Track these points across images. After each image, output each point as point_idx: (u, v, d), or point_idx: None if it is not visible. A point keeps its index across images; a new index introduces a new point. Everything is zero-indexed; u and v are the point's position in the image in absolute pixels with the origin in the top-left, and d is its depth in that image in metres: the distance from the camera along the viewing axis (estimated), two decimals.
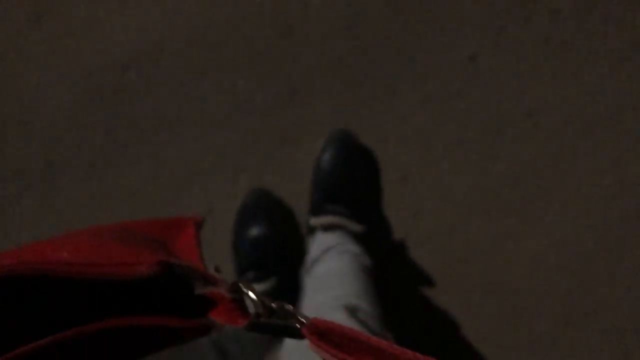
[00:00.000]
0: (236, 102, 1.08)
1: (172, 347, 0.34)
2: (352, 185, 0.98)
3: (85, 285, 0.27)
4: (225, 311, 0.29)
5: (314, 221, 0.93)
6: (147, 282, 0.28)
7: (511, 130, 1.00)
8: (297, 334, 0.27)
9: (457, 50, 1.01)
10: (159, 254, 0.30)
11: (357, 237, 0.91)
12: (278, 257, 0.99)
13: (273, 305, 0.28)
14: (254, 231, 0.99)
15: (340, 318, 0.67)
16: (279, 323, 0.28)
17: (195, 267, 0.30)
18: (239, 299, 0.29)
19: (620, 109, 0.98)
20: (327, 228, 0.91)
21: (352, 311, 0.68)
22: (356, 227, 0.91)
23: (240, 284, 0.29)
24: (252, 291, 0.29)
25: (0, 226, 1.13)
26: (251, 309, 0.30)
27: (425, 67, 1.02)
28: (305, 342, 0.26)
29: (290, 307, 0.28)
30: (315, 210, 0.95)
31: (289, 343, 0.67)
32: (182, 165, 1.10)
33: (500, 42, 1.00)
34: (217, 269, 0.31)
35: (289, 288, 0.95)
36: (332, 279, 0.80)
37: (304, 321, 0.26)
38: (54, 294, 0.28)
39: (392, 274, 0.85)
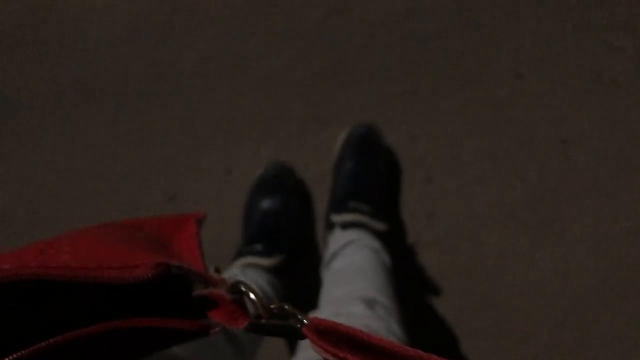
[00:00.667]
0: (276, 70, 1.08)
1: (172, 347, 0.35)
2: (374, 184, 0.98)
3: (86, 288, 0.27)
4: (225, 312, 0.29)
5: (336, 218, 0.91)
6: (147, 284, 0.28)
7: (542, 154, 0.99)
8: (297, 334, 0.27)
9: (506, 64, 1.01)
10: (158, 255, 0.30)
11: (377, 235, 0.90)
12: (288, 234, 0.98)
13: (273, 306, 0.28)
14: (270, 203, 0.99)
15: (358, 310, 0.66)
16: (279, 323, 0.28)
17: (194, 269, 0.30)
18: (239, 300, 0.29)
19: None
20: (348, 225, 0.90)
21: (370, 304, 0.68)
22: (378, 225, 0.90)
23: (241, 285, 0.29)
24: (252, 292, 0.29)
25: (25, 142, 1.14)
26: (251, 309, 0.30)
27: (472, 73, 1.01)
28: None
29: (290, 307, 0.28)
30: (337, 207, 0.94)
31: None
32: (210, 120, 1.10)
33: (551, 65, 1.00)
34: (217, 270, 0.31)
35: (294, 268, 0.95)
36: (351, 272, 0.79)
37: (304, 321, 0.26)
38: (55, 296, 0.29)
39: (398, 274, 0.85)
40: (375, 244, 0.86)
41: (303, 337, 0.26)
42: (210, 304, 0.30)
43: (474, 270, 1.01)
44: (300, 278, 0.98)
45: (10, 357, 0.26)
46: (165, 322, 0.29)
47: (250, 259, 0.88)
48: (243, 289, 0.29)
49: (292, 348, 1.02)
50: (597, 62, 0.99)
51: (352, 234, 0.88)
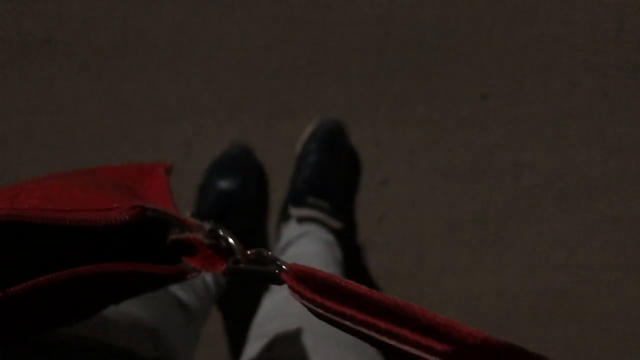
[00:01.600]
0: (250, 53, 1.08)
1: (146, 293, 0.34)
2: (336, 181, 0.99)
3: (60, 231, 0.27)
4: (202, 256, 0.29)
5: (294, 211, 0.92)
6: (121, 227, 0.27)
7: (495, 175, 1.03)
8: (276, 279, 0.27)
9: (473, 84, 1.04)
10: (133, 199, 0.29)
11: (331, 230, 0.91)
12: (240, 216, 0.99)
13: (250, 251, 0.28)
14: (226, 184, 0.99)
15: None
16: (258, 268, 0.27)
17: (171, 212, 0.29)
18: (216, 244, 0.29)
19: (597, 193, 1.03)
20: (305, 219, 0.91)
21: None
22: (334, 223, 0.91)
23: (220, 230, 0.29)
24: (230, 236, 0.28)
25: None
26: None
27: (440, 86, 1.04)
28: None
29: (268, 252, 0.27)
30: (296, 200, 0.94)
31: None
32: (177, 94, 1.09)
33: (515, 91, 1.04)
34: (192, 215, 0.30)
35: None
36: (305, 260, 0.80)
37: (283, 267, 0.26)
38: (28, 240, 0.28)
39: (345, 271, 0.86)
40: (329, 237, 0.88)
41: (281, 282, 0.26)
42: (187, 248, 0.29)
43: (415, 277, 1.04)
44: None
45: None
46: (141, 267, 0.28)
47: None
48: (221, 233, 0.28)
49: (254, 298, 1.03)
50: (559, 95, 1.04)
51: (307, 227, 0.90)
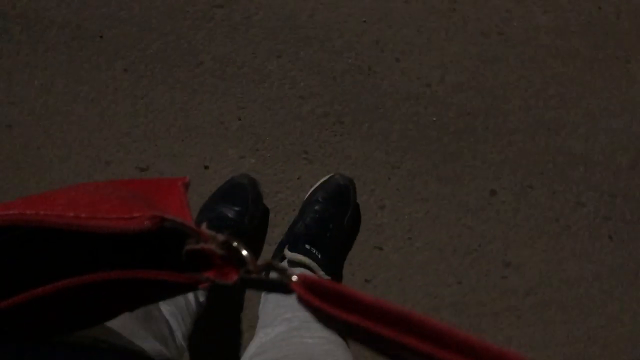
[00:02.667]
0: (287, 96, 1.13)
1: (160, 300, 0.37)
2: (335, 236, 1.03)
3: (82, 238, 0.28)
4: (215, 267, 0.30)
5: (289, 254, 0.96)
6: (140, 236, 0.28)
7: (484, 267, 1.07)
8: (286, 289, 0.28)
9: (485, 178, 1.09)
10: (152, 209, 0.30)
11: None
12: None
13: (260, 263, 0.30)
14: (225, 209, 1.02)
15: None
16: (269, 278, 0.29)
17: (187, 223, 0.30)
18: (229, 255, 0.30)
19: (575, 312, 1.07)
20: (297, 264, 0.95)
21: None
22: (323, 275, 0.95)
23: (233, 241, 0.30)
24: (244, 249, 0.30)
25: None
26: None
27: (454, 172, 1.09)
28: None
29: (279, 264, 0.29)
30: (293, 244, 0.98)
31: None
32: (210, 114, 1.14)
33: (523, 195, 1.08)
34: (207, 226, 0.31)
35: None
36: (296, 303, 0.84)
37: (295, 276, 0.28)
38: (51, 245, 0.30)
39: None
40: None
41: (291, 291, 0.27)
42: (201, 258, 0.30)
43: None
44: (231, 289, 1.02)
45: (7, 301, 0.28)
46: (160, 275, 0.29)
47: None
48: (234, 244, 0.30)
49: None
50: (562, 209, 1.08)
51: (300, 271, 0.94)
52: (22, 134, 1.14)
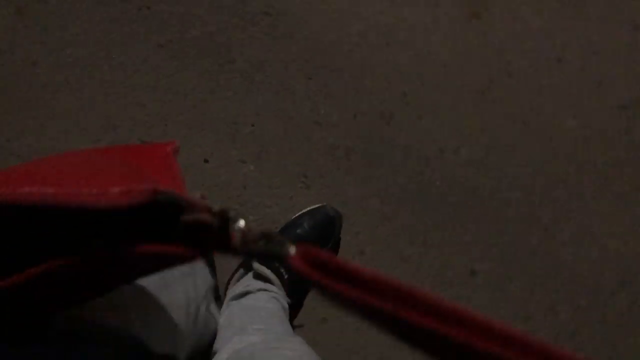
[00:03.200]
0: (308, 124, 1.14)
1: (157, 273, 0.36)
2: None
3: (71, 215, 0.28)
4: (213, 237, 0.30)
5: (257, 267, 0.95)
6: (136, 210, 0.28)
7: None
8: (283, 259, 0.28)
9: (470, 256, 1.08)
10: (144, 182, 0.30)
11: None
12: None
13: (260, 232, 0.29)
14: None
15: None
16: (267, 249, 0.28)
17: (181, 195, 0.30)
18: (227, 226, 0.29)
19: None
20: (262, 278, 0.94)
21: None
22: (284, 299, 0.94)
23: (230, 211, 0.29)
24: (242, 218, 0.29)
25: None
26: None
27: (441, 241, 1.08)
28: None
29: (277, 234, 0.29)
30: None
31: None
32: (229, 113, 1.14)
33: (503, 284, 1.07)
34: (202, 197, 0.31)
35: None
36: (265, 316, 0.84)
37: (294, 246, 0.27)
38: (55, 221, 0.29)
39: None
40: (285, 304, 0.92)
41: (289, 263, 0.27)
42: (197, 229, 0.30)
43: None
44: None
45: (15, 279, 0.28)
46: (162, 248, 0.29)
47: None
48: (233, 215, 0.29)
49: None
50: (538, 311, 1.06)
51: (266, 286, 0.93)
52: (44, 74, 1.15)
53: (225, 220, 0.29)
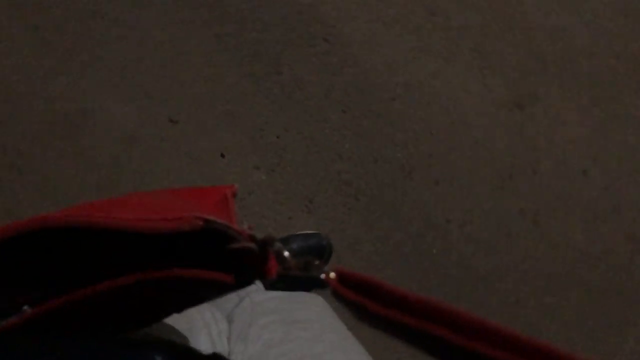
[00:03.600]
0: (332, 147, 1.15)
1: (207, 301, 0.37)
2: None
3: (138, 238, 0.29)
4: (256, 265, 0.31)
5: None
6: (186, 237, 0.30)
7: None
8: (322, 284, 0.29)
9: None
10: (199, 212, 0.32)
11: None
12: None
13: (301, 259, 0.31)
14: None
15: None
16: (306, 274, 0.30)
17: (228, 224, 0.31)
18: (268, 253, 0.31)
19: None
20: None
21: None
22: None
23: (274, 241, 0.30)
24: (284, 249, 0.31)
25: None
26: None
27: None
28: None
29: (316, 262, 0.30)
30: None
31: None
32: (265, 114, 1.16)
33: None
34: (250, 227, 0.32)
35: None
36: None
37: (331, 272, 0.28)
38: (105, 246, 0.31)
39: None
40: None
41: (326, 285, 0.28)
42: (242, 257, 0.31)
43: None
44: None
45: (65, 298, 0.29)
46: (208, 274, 0.30)
47: None
48: (276, 245, 0.31)
49: None
50: None
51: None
52: (104, 26, 1.17)
53: (266, 248, 0.31)
